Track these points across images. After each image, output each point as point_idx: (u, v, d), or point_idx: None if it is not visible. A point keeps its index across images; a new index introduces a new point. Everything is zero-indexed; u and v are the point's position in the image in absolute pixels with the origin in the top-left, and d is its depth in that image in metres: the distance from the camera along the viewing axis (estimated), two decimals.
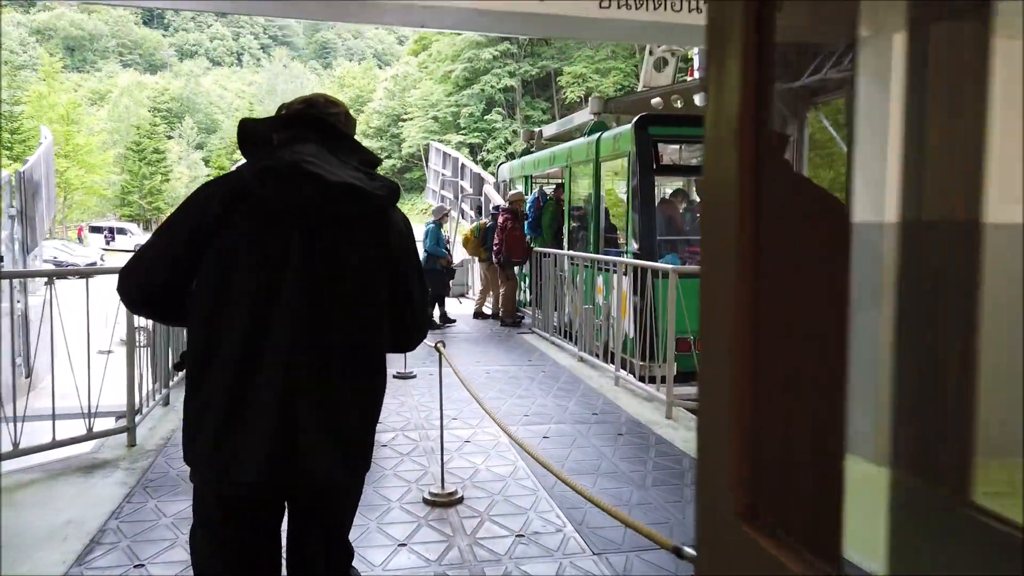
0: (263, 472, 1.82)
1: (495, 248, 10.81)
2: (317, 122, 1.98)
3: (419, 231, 11.76)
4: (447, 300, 12.16)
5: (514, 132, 55.50)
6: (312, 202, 1.83)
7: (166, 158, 63.20)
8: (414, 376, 7.40)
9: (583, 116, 10.75)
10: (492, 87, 56.24)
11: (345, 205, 1.87)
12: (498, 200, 13.49)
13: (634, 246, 8.08)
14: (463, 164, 16.18)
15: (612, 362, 7.88)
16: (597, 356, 8.27)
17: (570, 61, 54.40)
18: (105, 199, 55.87)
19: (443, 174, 17.25)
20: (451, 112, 57.44)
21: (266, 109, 73.93)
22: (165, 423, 5.69)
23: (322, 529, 2.06)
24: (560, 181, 14.05)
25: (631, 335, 7.97)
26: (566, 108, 57.55)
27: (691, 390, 6.84)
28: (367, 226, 1.95)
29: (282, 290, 1.83)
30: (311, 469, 1.86)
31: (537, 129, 13.13)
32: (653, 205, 8.02)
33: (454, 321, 11.87)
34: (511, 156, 55.69)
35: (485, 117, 55.93)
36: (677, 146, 8.44)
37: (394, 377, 7.37)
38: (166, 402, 6.14)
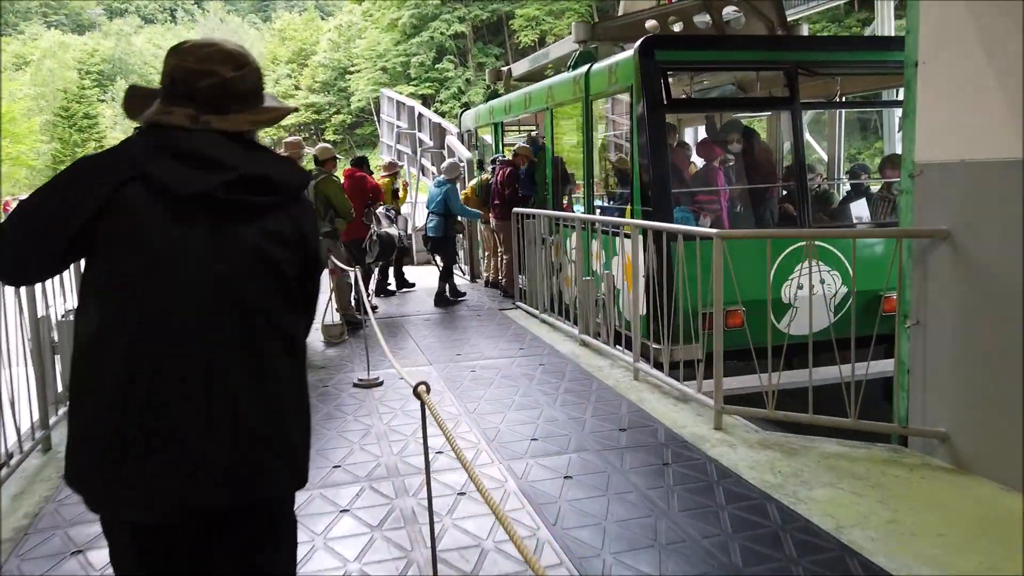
0: (182, 492, 1.63)
1: (494, 206, 9.35)
2: (220, 95, 1.75)
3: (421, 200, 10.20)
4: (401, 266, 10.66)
5: (467, 81, 53.26)
6: (219, 190, 1.68)
7: (98, 123, 59.40)
8: (380, 383, 5.83)
9: (563, 47, 9.07)
10: (442, 34, 53.66)
11: (256, 194, 1.74)
12: (463, 152, 11.79)
13: (642, 201, 6.53)
14: (420, 113, 14.33)
15: (620, 345, 6.41)
16: (600, 338, 6.79)
17: (521, 3, 51.96)
18: (35, 170, 52.27)
19: (398, 126, 15.37)
20: (400, 62, 54.78)
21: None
22: None
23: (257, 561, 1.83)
24: (533, 131, 12.45)
25: (642, 312, 6.49)
26: (520, 53, 55.32)
27: (736, 383, 5.42)
28: (279, 216, 1.79)
29: (191, 285, 1.67)
30: (249, 479, 1.71)
31: (505, 68, 11.37)
32: (666, 151, 6.46)
33: (412, 285, 10.60)
34: (466, 106, 53.42)
35: (436, 66, 53.42)
36: (691, 75, 6.85)
37: (354, 386, 5.79)
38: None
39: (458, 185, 9.53)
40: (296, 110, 2.42)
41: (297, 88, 63.65)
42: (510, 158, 9.30)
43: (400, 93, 18.80)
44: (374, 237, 8.74)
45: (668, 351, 5.64)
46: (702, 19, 8.45)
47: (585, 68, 7.58)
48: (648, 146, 6.37)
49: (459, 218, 9.71)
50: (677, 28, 8.32)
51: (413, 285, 10.74)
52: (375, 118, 58.36)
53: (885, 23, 9.94)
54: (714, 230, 4.79)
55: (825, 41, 6.81)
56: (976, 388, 3.91)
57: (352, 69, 58.43)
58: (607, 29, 8.07)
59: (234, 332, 1.70)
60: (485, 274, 10.36)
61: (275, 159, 1.81)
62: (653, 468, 4.09)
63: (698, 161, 7.85)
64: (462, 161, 10.91)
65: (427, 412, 2.71)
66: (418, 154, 13.61)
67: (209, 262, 1.68)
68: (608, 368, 6.15)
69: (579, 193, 7.99)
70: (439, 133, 13.05)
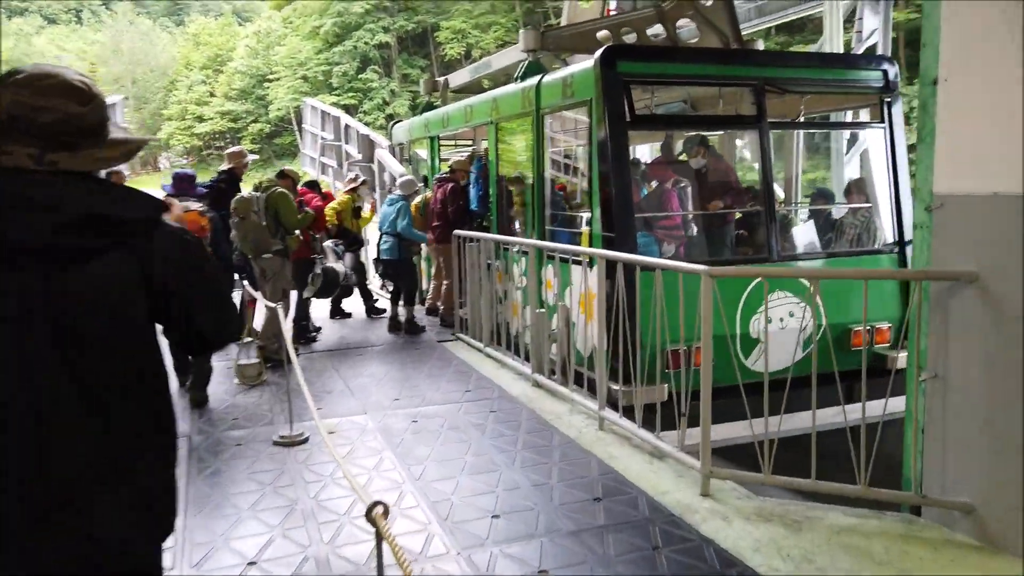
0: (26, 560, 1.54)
1: (433, 228, 8.54)
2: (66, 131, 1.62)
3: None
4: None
5: (392, 92, 52.26)
6: (48, 236, 1.57)
7: None
8: (304, 440, 4.96)
9: (507, 57, 8.42)
10: (366, 43, 52.42)
11: (92, 236, 1.61)
12: (396, 167, 10.96)
13: (601, 228, 5.90)
14: (347, 124, 13.41)
15: (578, 386, 5.75)
16: (555, 377, 6.11)
17: (447, 16, 51.34)
18: None
19: (323, 137, 14.39)
20: (322, 71, 53.23)
21: (110, 71, 66.58)
22: None
23: None
24: (472, 145, 11.74)
25: (599, 347, 5.85)
26: (445, 65, 54.72)
27: (720, 433, 4.80)
28: (122, 256, 1.65)
29: (20, 338, 1.57)
30: (101, 541, 1.61)
31: (442, 78, 10.63)
32: (628, 171, 5.85)
33: (349, 315, 9.55)
34: (390, 117, 52.27)
35: (360, 76, 52.13)
36: (655, 89, 6.27)
37: (275, 444, 4.91)
38: None
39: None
40: (147, 142, 2.04)
41: (212, 95, 61.11)
42: (447, 174, 8.55)
43: (323, 103, 17.75)
44: (318, 270, 7.88)
45: (640, 396, 4.98)
46: (656, 31, 7.94)
47: (535, 79, 6.92)
48: (609, 166, 5.75)
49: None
50: (630, 39, 7.76)
51: (349, 315, 9.73)
52: (295, 128, 56.57)
53: (834, 38, 9.68)
54: (701, 267, 4.16)
55: (794, 57, 6.33)
56: (1008, 453, 3.39)
57: (271, 77, 56.44)
58: (557, 38, 7.45)
59: (66, 383, 1.60)
60: (429, 300, 9.50)
61: (120, 195, 1.67)
62: (643, 555, 3.41)
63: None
64: (416, 178, 9.94)
65: (385, 541, 1.93)
66: (344, 168, 12.67)
67: (42, 310, 1.58)
68: (568, 415, 5.46)
69: (528, 214, 7.30)
70: (368, 146, 12.19)
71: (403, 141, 11.28)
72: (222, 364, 6.80)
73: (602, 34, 7.66)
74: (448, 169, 8.66)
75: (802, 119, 6.90)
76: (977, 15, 3.43)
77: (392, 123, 11.71)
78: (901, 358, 6.55)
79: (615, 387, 5.38)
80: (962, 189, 3.52)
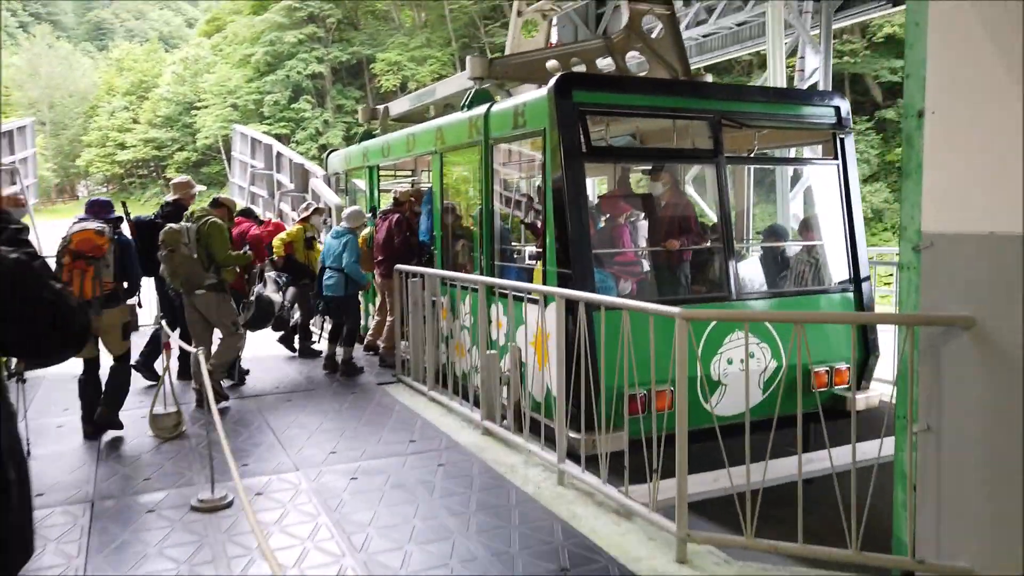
0: None
1: (378, 261, 8.05)
2: None
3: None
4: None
5: (325, 122, 51.53)
6: None
7: None
8: (228, 504, 4.37)
9: (452, 85, 8.07)
10: (299, 73, 51.63)
11: None
12: (332, 198, 10.44)
13: (557, 264, 5.55)
14: (279, 153, 12.79)
15: (534, 433, 5.34)
16: (505, 423, 5.69)
17: (383, 48, 51.10)
18: None
19: (253, 165, 13.71)
20: (253, 99, 52.11)
21: (27, 95, 63.75)
22: None
23: None
24: (412, 175, 11.33)
25: (559, 393, 5.47)
26: (380, 97, 54.36)
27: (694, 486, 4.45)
28: None
29: None
30: None
31: (382, 106, 10.19)
32: (585, 205, 5.53)
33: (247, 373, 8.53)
34: (323, 147, 51.28)
35: (292, 105, 51.18)
36: (609, 119, 5.99)
37: (193, 509, 4.31)
38: None
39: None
40: None
41: (135, 122, 59.06)
42: (392, 205, 8.12)
43: (254, 130, 17.04)
44: (251, 297, 7.27)
45: (603, 444, 4.60)
46: (605, 62, 7.74)
47: (484, 108, 6.58)
48: (565, 199, 5.42)
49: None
50: (579, 70, 7.53)
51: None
52: (223, 156, 54.98)
53: (777, 77, 9.70)
54: (676, 308, 3.83)
55: (750, 91, 6.16)
56: (1009, 512, 3.13)
57: (199, 104, 54.91)
58: (505, 66, 7.15)
59: None
60: (369, 336, 8.92)
61: None
62: None
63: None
64: (364, 209, 9.33)
65: None
66: (276, 198, 12.03)
67: None
68: (523, 467, 5.03)
69: (476, 249, 6.90)
70: (301, 175, 11.62)
71: (339, 171, 10.77)
72: (136, 413, 6.13)
73: (551, 64, 7.39)
74: (393, 200, 8.23)
75: (754, 154, 6.76)
76: (966, 44, 3.23)
77: (327, 152, 11.19)
78: (860, 400, 6.39)
79: (574, 435, 5.00)
80: (954, 228, 3.29)
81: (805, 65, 9.65)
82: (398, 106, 9.76)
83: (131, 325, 6.03)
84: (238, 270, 6.98)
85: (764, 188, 10.23)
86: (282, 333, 9.01)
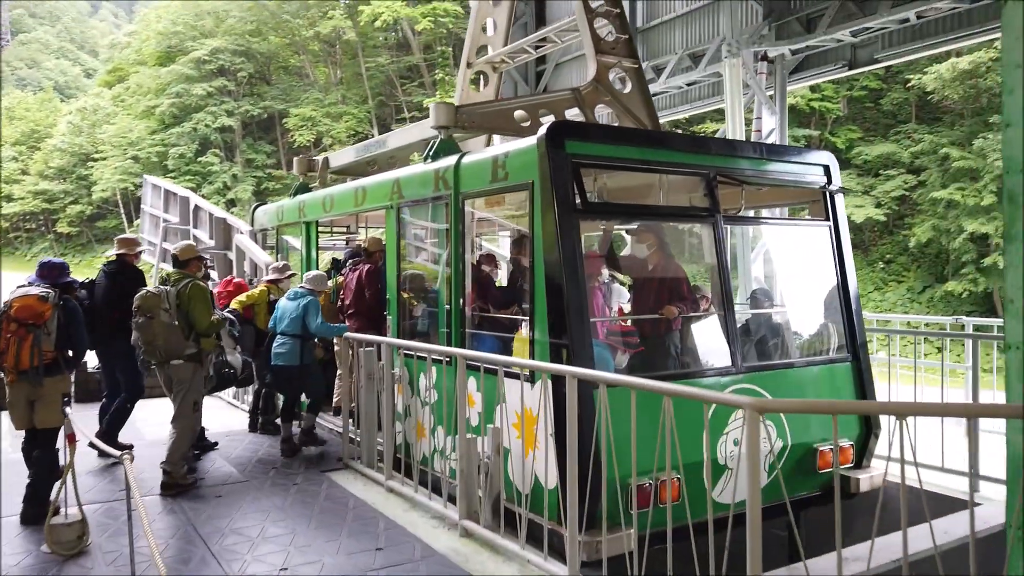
0: None
1: (350, 315, 7.33)
2: None
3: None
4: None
5: (234, 176, 49.78)
6: None
7: None
8: None
9: (407, 135, 7.36)
10: (207, 126, 49.85)
11: None
12: (261, 256, 9.43)
13: (549, 334, 4.84)
14: (198, 206, 11.68)
15: (517, 534, 4.54)
16: (483, 520, 4.88)
17: (297, 103, 50.13)
18: None
19: (166, 219, 12.49)
20: (156, 152, 49.89)
21: None
22: None
23: None
24: (347, 232, 10.48)
25: (550, 484, 4.72)
26: (293, 152, 53.26)
27: None
28: None
29: None
30: None
31: (320, 157, 9.34)
32: (582, 267, 4.87)
33: (215, 446, 7.40)
34: (232, 203, 49.30)
35: (199, 159, 49.23)
36: (602, 173, 5.42)
37: None
38: None
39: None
40: None
41: (24, 173, 55.47)
42: (361, 256, 7.35)
43: (168, 182, 15.68)
44: (210, 371, 6.35)
45: (624, 547, 3.85)
46: (573, 113, 7.24)
47: (453, 159, 5.90)
48: (559, 260, 4.75)
49: (316, 341, 7.24)
50: (546, 121, 6.99)
51: (215, 445, 7.91)
52: (122, 210, 51.98)
53: (736, 134, 9.49)
54: (746, 398, 3.18)
55: (743, 147, 5.71)
56: None
57: (96, 156, 52.11)
58: (472, 115, 6.51)
59: None
60: (336, 400, 7.90)
61: None
62: None
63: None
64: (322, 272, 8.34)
65: None
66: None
67: None
68: None
69: (441, 314, 6.12)
70: (223, 230, 10.56)
71: (268, 226, 9.79)
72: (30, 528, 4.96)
73: (519, 114, 6.84)
74: (363, 250, 7.47)
75: (742, 214, 6.33)
76: None
77: (254, 207, 10.21)
78: (864, 480, 5.90)
79: (581, 539, 4.24)
80: None
81: (762, 126, 9.53)
82: (341, 157, 8.95)
83: (68, 398, 5.50)
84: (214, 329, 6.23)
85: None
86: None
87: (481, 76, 9.54)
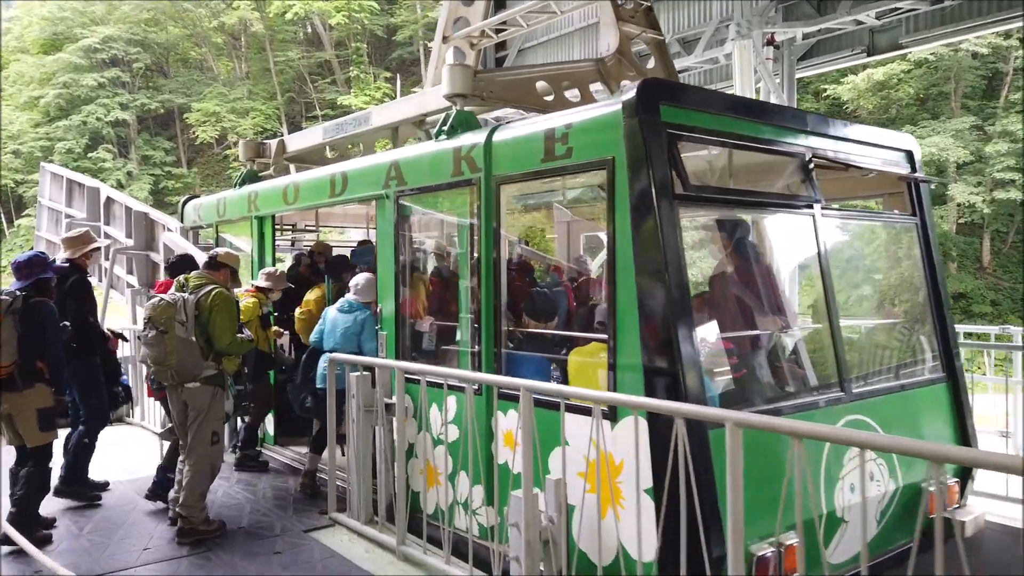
0: None
1: None
2: None
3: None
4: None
5: (129, 174, 46.32)
6: None
7: None
8: None
9: (405, 107, 6.00)
10: (98, 119, 46.15)
11: None
12: (200, 257, 7.83)
13: (643, 358, 3.68)
14: (110, 198, 9.84)
15: None
16: None
17: (199, 97, 47.12)
18: None
19: (69, 215, 10.53)
20: (41, 146, 45.77)
21: None
22: None
23: None
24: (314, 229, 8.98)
25: (646, 556, 3.58)
26: (195, 149, 50.17)
27: None
28: None
29: None
30: None
31: (273, 141, 7.77)
32: (683, 269, 3.74)
33: (104, 488, 6.09)
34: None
35: (89, 155, 45.49)
36: (711, 150, 4.30)
37: None
38: None
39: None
40: None
41: None
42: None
43: (73, 171, 13.28)
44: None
45: None
46: (596, 88, 6.13)
47: (481, 134, 4.66)
48: (661, 263, 3.61)
49: None
50: (571, 96, 5.85)
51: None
52: (11, 206, 47.21)
53: None
54: (952, 448, 2.13)
55: (833, 124, 4.68)
56: None
57: None
58: (491, 83, 5.28)
59: None
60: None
61: None
62: None
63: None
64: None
65: None
66: (109, 256, 9.00)
67: None
68: None
69: (464, 328, 4.85)
70: (146, 228, 8.83)
71: (204, 222, 8.18)
72: None
73: (541, 85, 5.66)
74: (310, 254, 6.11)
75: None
76: None
77: (184, 200, 8.54)
78: (969, 522, 5.02)
79: None
80: None
81: None
82: (302, 139, 7.45)
83: (53, 412, 4.97)
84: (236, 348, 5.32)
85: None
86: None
87: (459, 51, 8.29)
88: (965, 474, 5.09)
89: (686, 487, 3.19)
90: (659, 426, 3.53)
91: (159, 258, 8.43)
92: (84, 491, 5.79)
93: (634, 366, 3.73)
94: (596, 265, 8.51)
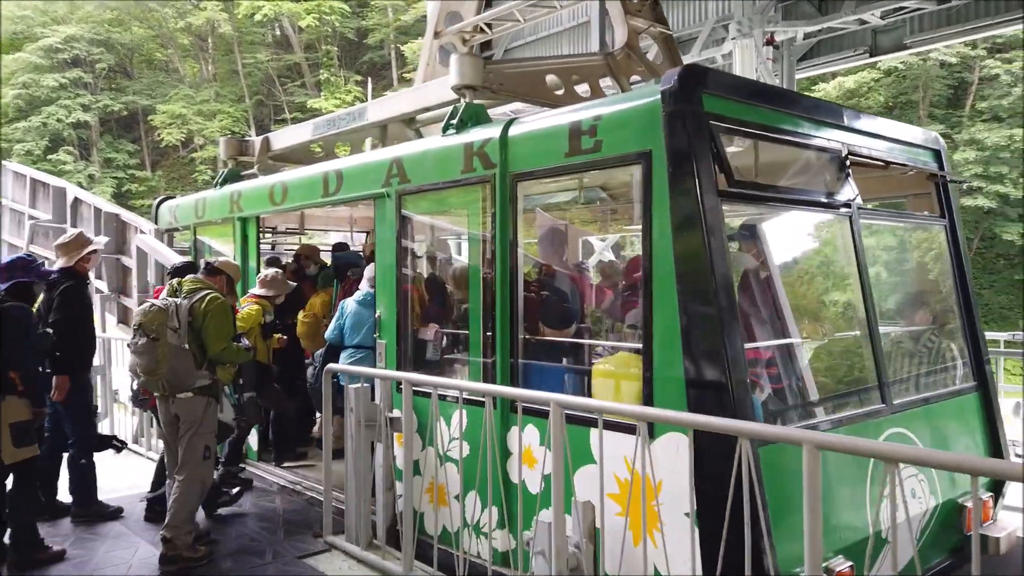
0: None
1: None
2: None
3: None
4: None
5: (91, 176, 45.15)
6: None
7: None
8: None
9: (406, 101, 5.61)
10: (59, 121, 44.94)
11: None
12: (172, 258, 7.37)
13: (687, 370, 3.37)
14: (78, 198, 9.29)
15: None
16: None
17: (164, 99, 46.14)
18: None
19: (33, 217, 9.93)
20: None
21: None
22: None
23: None
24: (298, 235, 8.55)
25: None
26: (160, 152, 49.11)
27: None
28: None
29: None
30: None
31: (258, 138, 7.31)
32: (731, 272, 3.43)
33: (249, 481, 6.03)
34: None
35: (49, 156, 44.24)
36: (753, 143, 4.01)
37: None
38: None
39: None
40: None
41: None
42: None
43: (35, 169, 12.52)
44: None
45: None
46: (606, 84, 5.84)
47: (496, 128, 4.33)
48: (707, 265, 3.31)
49: None
50: (581, 90, 5.55)
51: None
52: None
53: None
54: None
55: (867, 119, 4.42)
56: None
57: None
58: (500, 75, 4.94)
59: None
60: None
61: None
62: None
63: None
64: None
65: None
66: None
67: None
68: None
69: (475, 335, 4.50)
70: (117, 230, 8.31)
71: (180, 225, 7.71)
72: None
73: (551, 79, 5.35)
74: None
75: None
76: None
77: (158, 201, 8.04)
78: (1003, 539, 4.79)
79: None
80: None
81: None
82: (290, 136, 7.03)
83: (29, 425, 4.63)
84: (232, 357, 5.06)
85: None
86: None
87: (449, 48, 7.95)
88: (997, 488, 4.87)
89: (751, 510, 2.86)
90: (707, 444, 3.21)
91: (131, 262, 7.93)
92: (102, 511, 5.54)
93: (675, 379, 3.42)
94: (593, 263, 8.20)
